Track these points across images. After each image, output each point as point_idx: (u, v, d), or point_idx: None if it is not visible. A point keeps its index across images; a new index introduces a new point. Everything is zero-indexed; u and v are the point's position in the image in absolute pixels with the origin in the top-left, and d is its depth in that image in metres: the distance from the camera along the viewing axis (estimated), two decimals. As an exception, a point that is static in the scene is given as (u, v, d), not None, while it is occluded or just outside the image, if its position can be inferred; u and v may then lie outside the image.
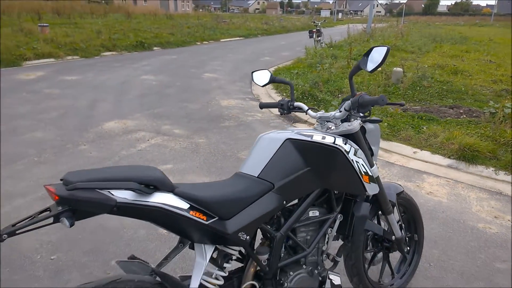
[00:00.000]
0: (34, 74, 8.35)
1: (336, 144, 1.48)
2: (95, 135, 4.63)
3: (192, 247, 1.33)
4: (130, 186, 1.08)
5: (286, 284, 1.52)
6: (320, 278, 1.63)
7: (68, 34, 13.38)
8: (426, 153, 4.23)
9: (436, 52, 11.99)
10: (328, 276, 1.63)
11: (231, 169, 3.59)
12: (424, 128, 4.84)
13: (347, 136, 1.55)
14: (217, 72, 9.56)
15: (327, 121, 1.60)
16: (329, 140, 1.48)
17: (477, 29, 29.20)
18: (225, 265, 1.38)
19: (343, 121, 1.57)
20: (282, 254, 1.51)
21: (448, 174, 3.79)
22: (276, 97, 7.04)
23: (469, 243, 2.66)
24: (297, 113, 5.60)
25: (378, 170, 1.68)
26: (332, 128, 1.56)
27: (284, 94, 7.10)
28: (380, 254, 2.00)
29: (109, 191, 1.06)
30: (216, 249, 1.35)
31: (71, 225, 1.02)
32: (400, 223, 1.97)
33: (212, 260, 1.35)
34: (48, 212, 1.03)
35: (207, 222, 1.22)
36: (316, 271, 1.62)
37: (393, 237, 1.91)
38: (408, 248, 2.14)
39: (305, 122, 5.40)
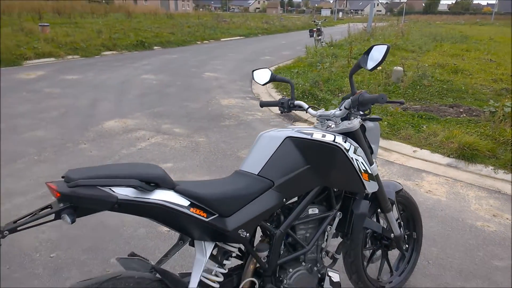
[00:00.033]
0: (35, 74, 8.36)
1: (336, 142, 1.49)
2: (96, 134, 4.64)
3: (192, 244, 1.34)
4: (131, 183, 1.09)
5: (285, 281, 1.52)
6: (319, 275, 1.64)
7: (69, 33, 13.38)
8: (426, 152, 4.23)
9: (437, 51, 11.97)
10: (327, 273, 1.64)
11: (231, 168, 3.60)
12: (424, 127, 4.85)
13: (347, 134, 1.56)
14: (218, 71, 9.56)
15: (327, 119, 1.61)
16: (329, 138, 1.49)
17: (478, 28, 29.12)
18: (225, 262, 1.39)
19: (343, 119, 1.58)
20: (282, 251, 1.52)
21: (448, 173, 3.80)
22: (277, 96, 7.05)
23: (467, 241, 2.67)
24: (297, 112, 5.61)
25: (377, 168, 1.69)
26: (332, 126, 1.57)
27: (285, 93, 7.11)
28: (379, 252, 2.01)
29: (110, 188, 1.07)
30: (216, 246, 1.36)
31: (72, 221, 1.03)
32: (399, 221, 1.98)
33: (212, 257, 1.36)
34: (50, 209, 1.03)
35: (207, 219, 1.22)
36: (315, 268, 1.63)
37: (392, 235, 1.92)
38: (407, 246, 2.15)
39: (305, 121, 5.40)
